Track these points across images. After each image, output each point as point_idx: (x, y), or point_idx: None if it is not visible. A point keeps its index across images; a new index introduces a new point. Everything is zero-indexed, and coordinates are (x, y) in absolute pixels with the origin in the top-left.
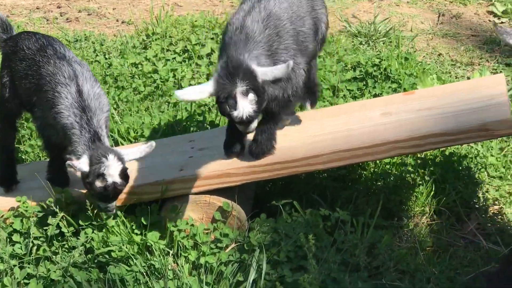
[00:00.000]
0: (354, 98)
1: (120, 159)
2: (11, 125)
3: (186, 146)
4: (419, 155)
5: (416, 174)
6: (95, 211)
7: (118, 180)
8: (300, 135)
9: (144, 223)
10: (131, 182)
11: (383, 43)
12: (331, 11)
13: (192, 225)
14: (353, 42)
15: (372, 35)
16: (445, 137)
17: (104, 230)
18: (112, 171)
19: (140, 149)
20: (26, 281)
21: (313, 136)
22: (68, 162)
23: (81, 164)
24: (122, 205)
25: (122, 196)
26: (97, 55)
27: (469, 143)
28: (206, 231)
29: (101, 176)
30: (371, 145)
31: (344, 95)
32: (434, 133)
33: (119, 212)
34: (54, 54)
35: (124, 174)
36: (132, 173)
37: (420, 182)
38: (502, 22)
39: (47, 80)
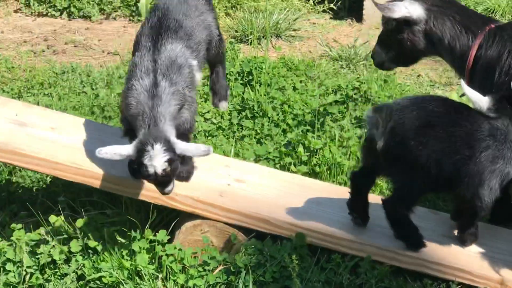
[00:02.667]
0: (335, 121)
1: (171, 149)
2: None
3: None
4: None
5: None
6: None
7: (160, 170)
8: None
9: (134, 249)
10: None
11: (364, 66)
12: (311, 35)
13: (180, 249)
14: (334, 66)
15: (353, 58)
16: None
17: (94, 257)
18: (155, 162)
19: (199, 148)
20: None
21: None
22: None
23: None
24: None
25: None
26: (84, 86)
27: None
28: (194, 255)
29: (145, 167)
30: None
31: (324, 120)
32: None
33: (108, 238)
34: None
35: (169, 162)
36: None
37: None
38: None
39: None
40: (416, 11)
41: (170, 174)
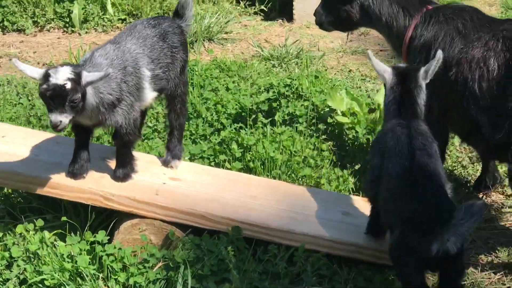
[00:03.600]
0: (268, 117)
1: (77, 72)
2: None
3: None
4: None
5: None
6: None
7: (61, 83)
8: None
9: (75, 251)
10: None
11: (296, 64)
12: (243, 37)
13: (120, 248)
14: (266, 65)
15: (284, 57)
16: None
17: (36, 261)
18: (59, 74)
19: (100, 73)
20: None
21: None
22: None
23: (29, 68)
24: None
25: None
26: (20, 98)
27: None
28: (134, 253)
29: (47, 76)
30: None
31: (256, 117)
32: None
33: (48, 242)
34: None
35: (72, 81)
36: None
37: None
38: None
39: None
40: None
41: (67, 94)
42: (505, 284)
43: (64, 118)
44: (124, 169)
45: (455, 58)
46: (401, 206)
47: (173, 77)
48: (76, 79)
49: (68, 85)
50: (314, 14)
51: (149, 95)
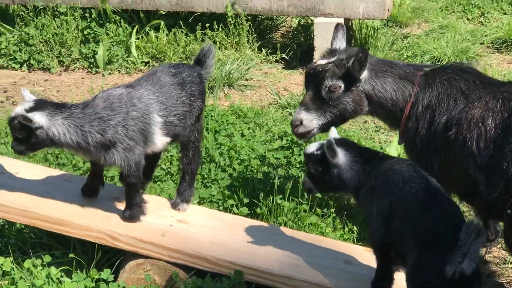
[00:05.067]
0: (281, 166)
1: (33, 108)
2: None
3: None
4: None
5: None
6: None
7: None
8: None
9: None
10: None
11: None
12: (263, 85)
13: (124, 287)
14: (282, 113)
15: None
16: None
17: None
18: (15, 109)
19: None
20: None
21: None
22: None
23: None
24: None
25: None
26: None
27: None
28: None
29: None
30: None
31: (271, 163)
32: None
33: (55, 278)
34: None
35: (23, 118)
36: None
37: None
38: None
39: None
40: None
41: (12, 129)
42: None
43: (17, 147)
44: (130, 210)
45: (456, 118)
46: (420, 228)
47: (189, 124)
48: (24, 117)
49: (16, 119)
50: (298, 123)
51: (159, 140)
